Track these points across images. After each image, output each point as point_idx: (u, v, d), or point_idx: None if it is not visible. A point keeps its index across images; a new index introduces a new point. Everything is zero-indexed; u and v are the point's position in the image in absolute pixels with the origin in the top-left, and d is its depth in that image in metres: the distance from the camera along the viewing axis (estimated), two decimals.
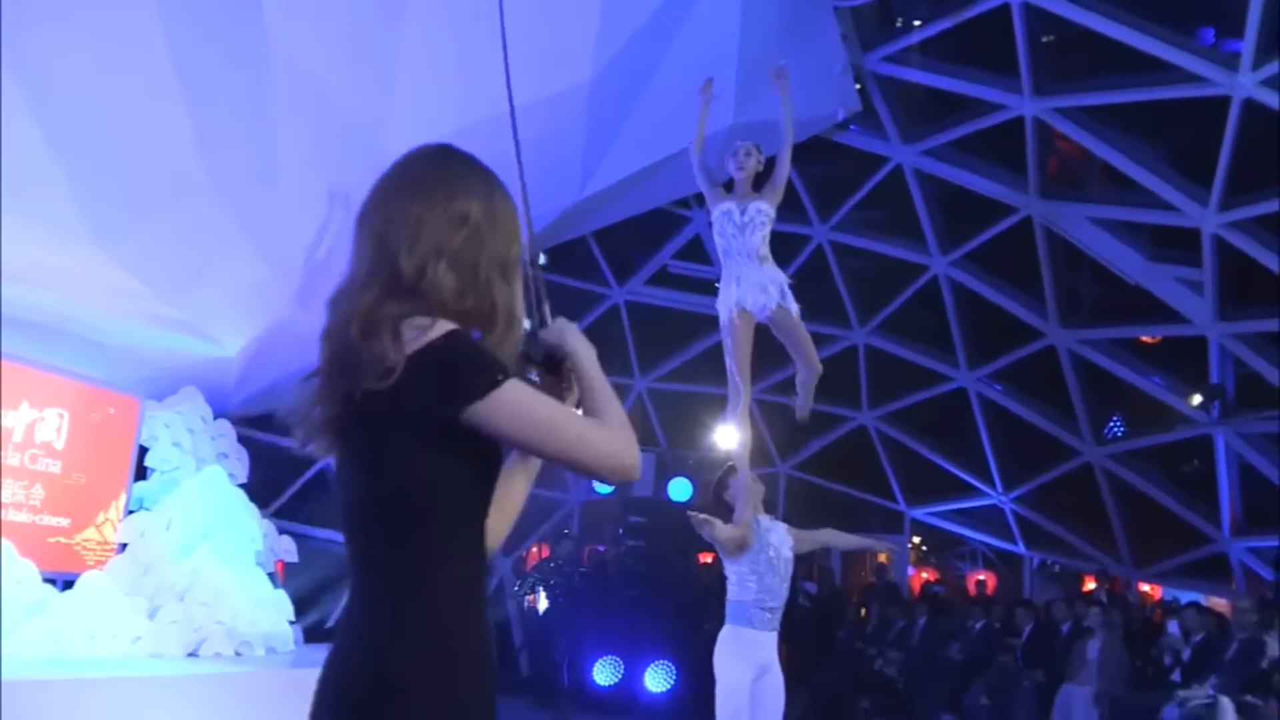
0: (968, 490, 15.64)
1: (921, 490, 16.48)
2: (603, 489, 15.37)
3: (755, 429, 6.48)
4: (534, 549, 17.15)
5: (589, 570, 14.74)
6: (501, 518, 2.21)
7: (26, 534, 9.18)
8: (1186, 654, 10.11)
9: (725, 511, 6.20)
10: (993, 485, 15.11)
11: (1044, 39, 11.10)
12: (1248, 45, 9.40)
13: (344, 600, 2.05)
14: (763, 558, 6.06)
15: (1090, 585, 14.52)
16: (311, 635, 11.52)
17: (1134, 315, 12.84)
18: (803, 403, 6.68)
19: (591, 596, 13.84)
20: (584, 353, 2.17)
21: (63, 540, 9.78)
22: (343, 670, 1.90)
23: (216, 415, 11.00)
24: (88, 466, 10.06)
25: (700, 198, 9.36)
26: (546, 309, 2.29)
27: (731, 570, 6.12)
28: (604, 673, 13.22)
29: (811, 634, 13.00)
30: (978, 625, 12.38)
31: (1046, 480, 14.71)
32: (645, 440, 15.30)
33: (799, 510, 15.10)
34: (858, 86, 11.90)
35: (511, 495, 2.26)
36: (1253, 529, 12.68)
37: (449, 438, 1.90)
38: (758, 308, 6.24)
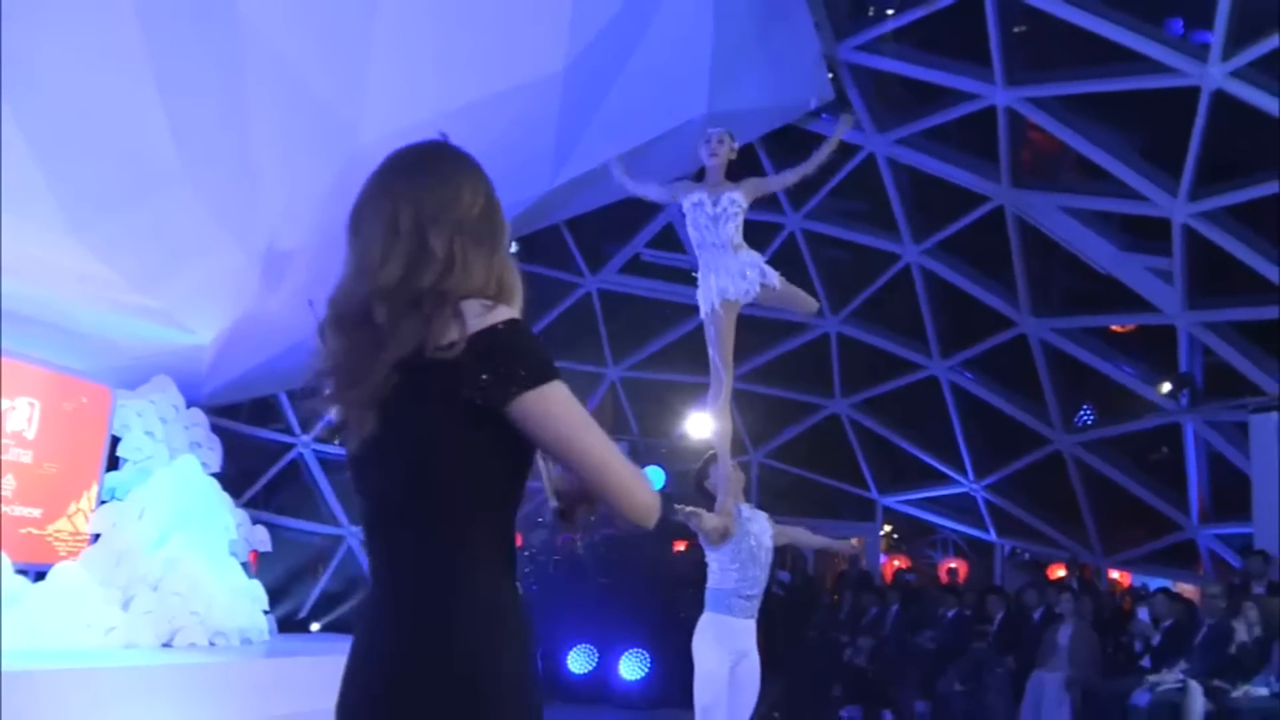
0: (939, 478, 15.74)
1: (893, 478, 16.57)
2: None
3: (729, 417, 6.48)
4: None
5: (562, 559, 14.73)
6: None
7: None
8: (1156, 640, 10.19)
9: (706, 500, 6.21)
10: (964, 473, 15.22)
11: (1016, 29, 11.17)
12: (1217, 36, 9.49)
13: (373, 589, 2.00)
14: (744, 547, 6.08)
15: (1060, 573, 14.60)
16: (285, 625, 11.50)
17: (1104, 304, 12.96)
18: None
19: (565, 585, 13.84)
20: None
21: (34, 531, 9.72)
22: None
23: (189, 404, 10.96)
24: (59, 456, 10.01)
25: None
26: None
27: (713, 559, 6.13)
28: (578, 661, 13.24)
29: (785, 622, 13.03)
30: (950, 613, 12.44)
31: (1018, 468, 14.82)
32: (618, 428, 15.36)
33: (771, 498, 15.13)
34: (830, 75, 11.93)
35: None
36: (1220, 516, 12.83)
37: (494, 423, 1.91)
38: (741, 294, 6.23)
